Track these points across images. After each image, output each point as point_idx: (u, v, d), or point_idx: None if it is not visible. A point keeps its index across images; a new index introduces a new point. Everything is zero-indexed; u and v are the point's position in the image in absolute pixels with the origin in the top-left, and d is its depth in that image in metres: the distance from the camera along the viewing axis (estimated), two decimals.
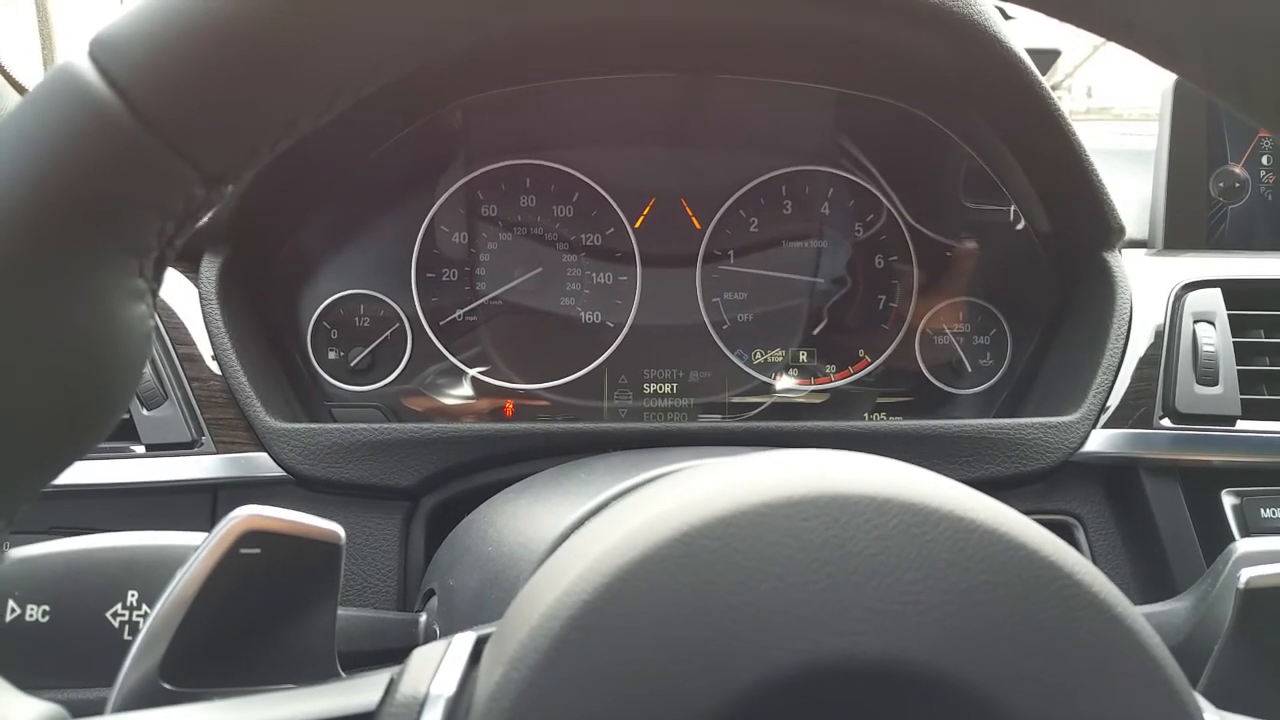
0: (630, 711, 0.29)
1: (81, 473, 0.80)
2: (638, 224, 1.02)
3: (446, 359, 1.00)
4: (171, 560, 0.46)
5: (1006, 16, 0.82)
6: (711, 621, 0.30)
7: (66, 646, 0.50)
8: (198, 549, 0.41)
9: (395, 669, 0.34)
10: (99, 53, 0.29)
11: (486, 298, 1.01)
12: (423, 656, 0.34)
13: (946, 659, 0.30)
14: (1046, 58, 1.17)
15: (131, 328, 0.32)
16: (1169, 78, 1.10)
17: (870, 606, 0.30)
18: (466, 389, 1.01)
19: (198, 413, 0.83)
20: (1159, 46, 0.32)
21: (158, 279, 0.34)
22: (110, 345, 0.32)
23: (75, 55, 0.30)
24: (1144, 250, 1.09)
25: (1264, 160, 1.08)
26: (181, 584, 0.41)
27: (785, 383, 1.03)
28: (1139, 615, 0.32)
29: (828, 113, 1.03)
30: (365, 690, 0.33)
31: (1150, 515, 0.86)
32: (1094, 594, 0.32)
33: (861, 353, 1.03)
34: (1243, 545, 0.55)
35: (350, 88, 0.33)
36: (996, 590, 0.31)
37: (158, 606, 0.41)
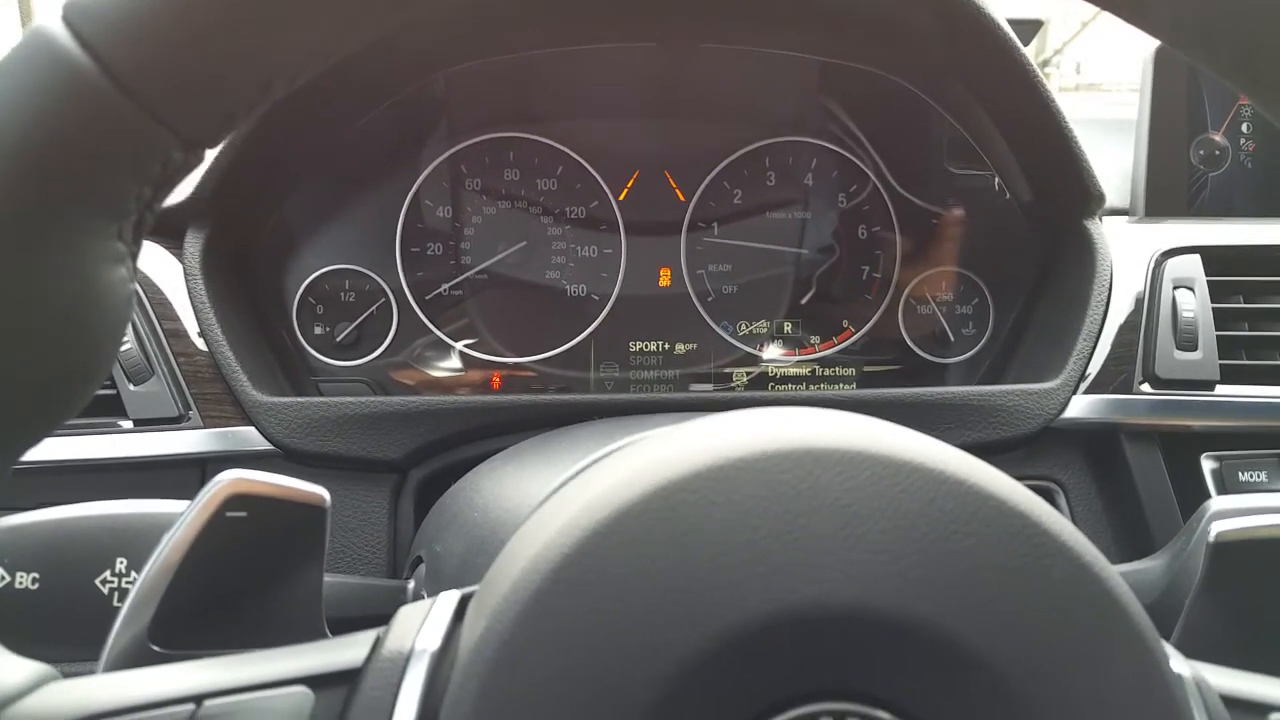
0: (609, 660, 0.29)
1: (69, 448, 0.80)
2: (622, 196, 1.02)
3: (432, 333, 1.01)
4: (159, 527, 0.46)
5: None
6: (687, 572, 0.30)
7: (56, 613, 0.50)
8: (184, 513, 0.42)
9: (381, 628, 0.35)
10: (73, 16, 0.29)
11: (472, 271, 1.01)
12: (408, 614, 0.35)
13: (916, 605, 0.30)
14: (1030, 27, 1.17)
15: (111, 291, 0.32)
16: (1150, 46, 1.11)
17: (842, 556, 0.31)
18: (453, 362, 1.01)
19: (184, 388, 0.83)
20: (1168, 27, 0.32)
21: (137, 242, 0.34)
22: (90, 308, 0.32)
23: (49, 19, 0.30)
24: (1125, 218, 1.10)
25: (1244, 128, 1.09)
26: (169, 547, 0.41)
27: (771, 353, 1.04)
28: (1106, 563, 0.33)
29: (811, 83, 1.03)
30: (351, 647, 0.34)
31: (1131, 480, 0.87)
32: (1062, 542, 0.32)
33: (846, 323, 1.04)
34: (1216, 503, 0.55)
35: (327, 48, 0.33)
36: (966, 539, 0.31)
37: (145, 569, 0.41)
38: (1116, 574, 0.33)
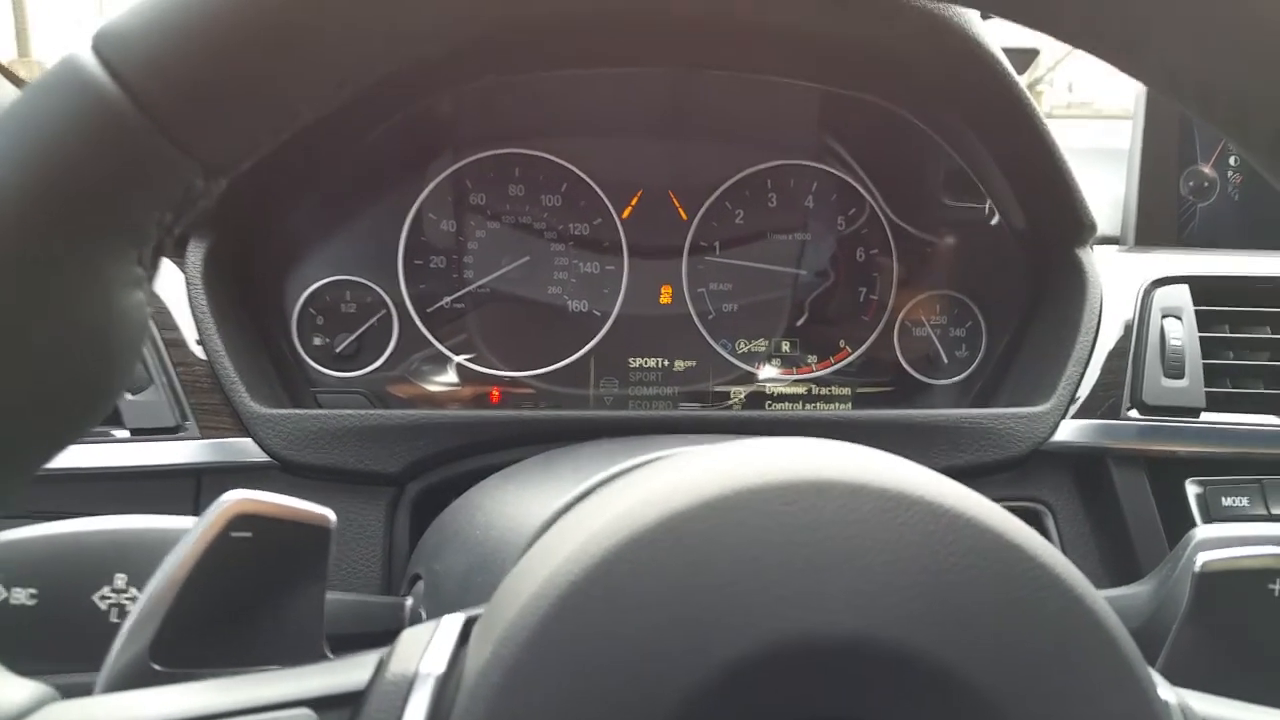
0: (615, 687, 0.30)
1: (64, 457, 0.78)
2: (625, 215, 1.03)
3: (433, 346, 1.01)
4: (160, 543, 0.46)
5: (984, 17, 0.83)
6: (694, 601, 0.31)
7: (54, 629, 0.49)
8: (189, 532, 0.42)
9: (384, 650, 0.35)
10: (103, 46, 0.30)
11: (473, 285, 1.01)
12: (412, 636, 0.35)
13: (915, 637, 0.31)
14: (1025, 57, 1.19)
15: (129, 314, 0.33)
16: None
17: (843, 587, 0.31)
18: (452, 376, 1.01)
19: (182, 397, 0.82)
20: (1163, 78, 0.33)
21: (155, 266, 0.34)
22: (109, 332, 0.32)
23: (79, 48, 0.30)
24: (1116, 246, 1.11)
25: (1231, 161, 1.10)
26: (173, 566, 0.41)
27: (768, 372, 1.05)
28: (1098, 596, 0.33)
29: (813, 110, 1.04)
30: (355, 670, 0.34)
31: (1117, 503, 0.88)
32: (1056, 575, 0.33)
33: (842, 343, 1.05)
34: (1201, 531, 0.56)
35: (354, 78, 0.33)
36: (964, 572, 0.32)
37: (148, 588, 0.40)
38: (1108, 606, 0.34)
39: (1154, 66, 0.33)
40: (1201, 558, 0.48)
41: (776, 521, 0.32)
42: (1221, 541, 0.53)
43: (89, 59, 0.30)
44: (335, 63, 0.32)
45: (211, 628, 0.42)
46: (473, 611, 0.36)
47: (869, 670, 0.31)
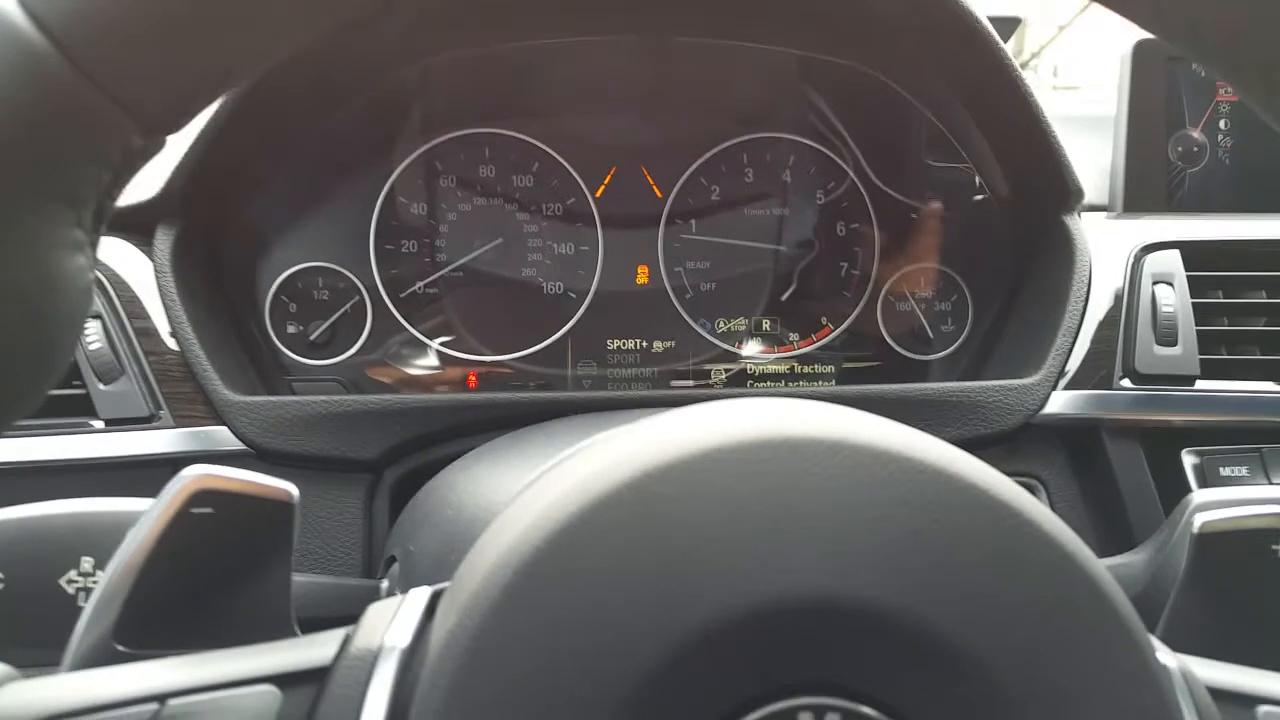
0: (582, 656, 0.29)
1: (38, 448, 0.78)
2: (599, 193, 1.02)
3: (407, 331, 1.00)
4: (125, 526, 0.45)
5: None
6: (662, 565, 0.30)
7: (20, 614, 0.49)
8: (148, 511, 0.41)
9: (351, 627, 0.34)
10: None
11: (447, 269, 1.00)
12: (378, 611, 0.34)
13: (897, 598, 0.30)
14: (1008, 25, 1.18)
15: (69, 279, 0.32)
16: (1128, 42, 1.11)
17: (819, 547, 0.30)
18: (429, 360, 1.00)
19: (155, 387, 0.81)
20: (1184, 33, 0.32)
21: (96, 230, 0.33)
22: (46, 297, 0.31)
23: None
24: (1103, 214, 1.10)
25: (1221, 124, 1.09)
26: (133, 545, 0.41)
27: (749, 350, 1.03)
28: (1090, 554, 0.32)
29: (789, 77, 1.03)
30: (320, 645, 0.33)
31: (1112, 476, 0.87)
32: (1045, 532, 0.32)
33: (825, 319, 1.04)
34: (1198, 495, 0.55)
35: (292, 32, 0.32)
36: (946, 529, 0.31)
37: (109, 568, 0.40)
38: (1101, 565, 0.32)
39: (1141, 3, 0.32)
40: (1199, 519, 0.47)
41: (746, 482, 0.31)
42: (1220, 504, 0.52)
43: (14, 8, 0.28)
44: (270, 16, 0.31)
45: (176, 608, 0.42)
46: (439, 586, 0.35)
47: (850, 635, 0.30)
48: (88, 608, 0.40)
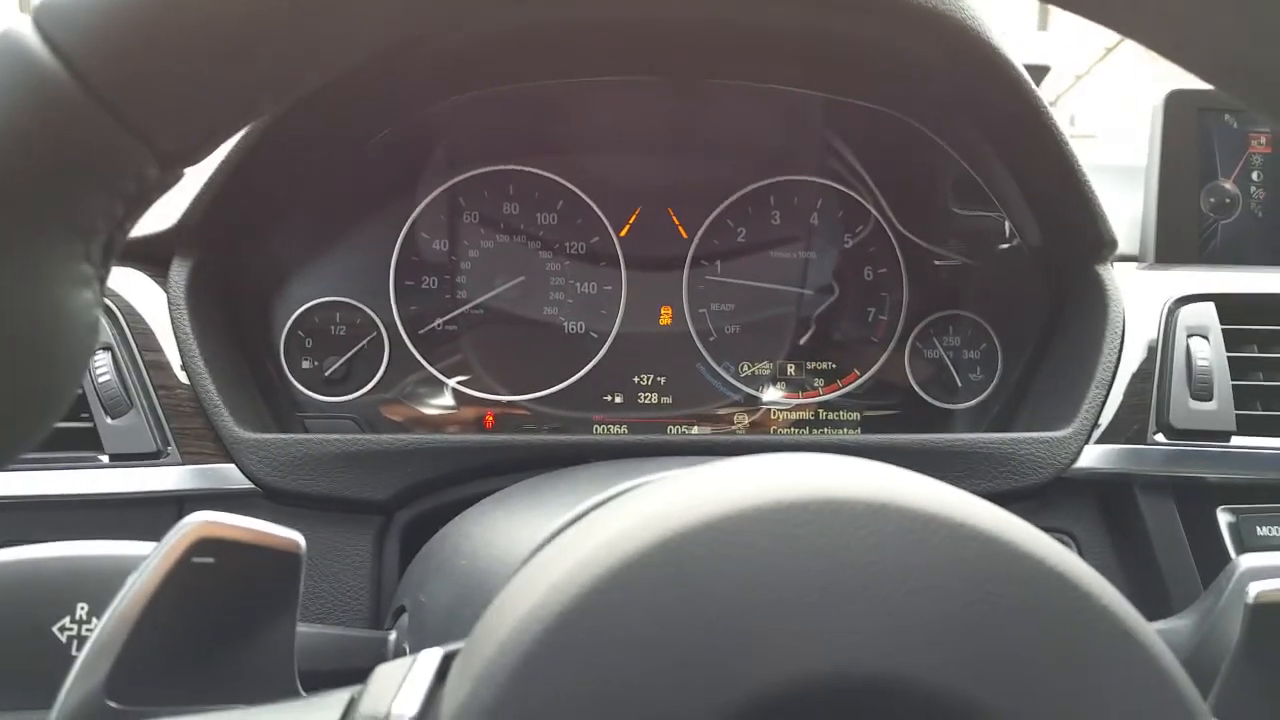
0: None
1: (41, 483, 0.77)
2: (623, 232, 1.01)
3: (425, 369, 0.98)
4: (124, 571, 0.43)
5: None
6: (695, 636, 0.28)
7: (9, 662, 0.47)
8: (148, 558, 0.39)
9: (357, 688, 0.32)
10: (44, 19, 0.28)
11: (467, 306, 0.99)
12: (385, 674, 0.33)
13: (946, 677, 0.28)
14: (1038, 73, 1.17)
15: (75, 315, 0.30)
16: (1157, 95, 1.10)
17: (866, 621, 0.28)
18: (445, 400, 0.99)
19: (164, 422, 0.80)
20: (1212, 69, 0.31)
21: (106, 264, 0.32)
22: (52, 333, 0.30)
23: (18, 22, 0.28)
24: (1134, 264, 1.08)
25: (1254, 176, 1.08)
26: (129, 595, 0.39)
27: (772, 395, 1.02)
28: (1150, 628, 0.30)
29: (816, 120, 1.02)
30: (323, 709, 0.32)
31: (1145, 532, 0.84)
32: (1103, 605, 0.30)
33: (850, 365, 1.02)
34: (1246, 560, 0.53)
35: (315, 67, 0.31)
36: (999, 603, 0.29)
37: (103, 618, 0.39)
38: (1160, 640, 0.30)
39: (1164, 37, 0.31)
40: (1254, 589, 0.45)
41: (787, 545, 0.29)
42: (1271, 571, 0.49)
43: (29, 33, 0.28)
44: (293, 50, 0.30)
45: (173, 662, 0.40)
46: (452, 647, 0.33)
47: (894, 714, 0.28)
48: (78, 660, 0.38)
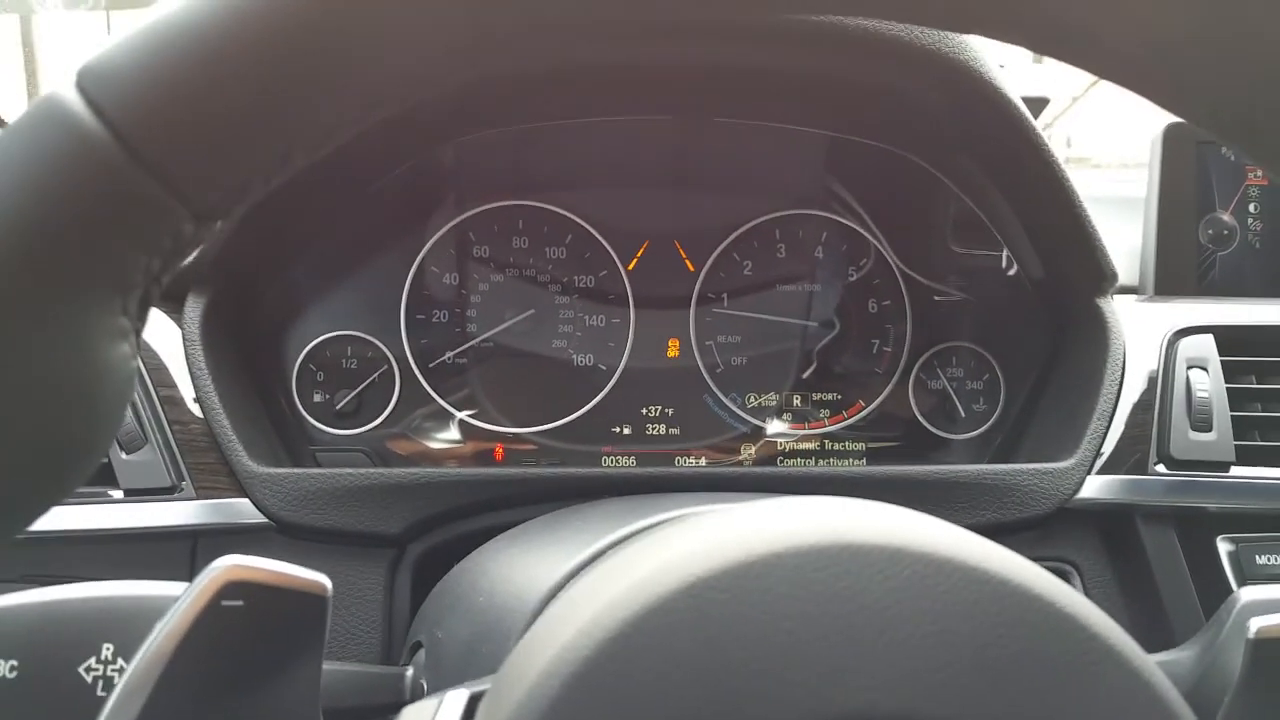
0: None
1: (56, 518, 0.77)
2: (631, 266, 1.02)
3: (435, 402, 0.99)
4: (149, 611, 0.44)
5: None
6: (720, 679, 0.29)
7: (36, 704, 0.47)
8: (178, 600, 0.40)
9: None
10: (86, 82, 0.28)
11: (477, 340, 1.00)
12: (413, 715, 0.33)
13: (964, 716, 0.29)
14: (1036, 105, 1.18)
15: (113, 368, 0.31)
16: (1156, 126, 1.12)
17: (885, 662, 0.29)
18: (455, 432, 0.99)
19: (178, 457, 0.80)
20: (1207, 115, 0.32)
21: (141, 318, 0.33)
22: (90, 386, 0.30)
23: (61, 85, 0.29)
24: (1134, 296, 1.09)
25: (1251, 208, 1.09)
26: (160, 638, 0.39)
27: (778, 427, 1.02)
28: (1155, 666, 0.31)
29: (820, 156, 1.03)
30: None
31: (1146, 562, 0.85)
32: (1110, 645, 0.31)
33: (855, 397, 1.03)
34: (1246, 594, 0.54)
35: (347, 122, 0.32)
36: (1012, 644, 0.30)
37: (134, 661, 0.39)
38: (1165, 678, 0.31)
39: (1160, 82, 0.32)
40: (1256, 623, 0.45)
41: (808, 589, 0.30)
42: (1272, 605, 0.50)
43: (72, 96, 0.28)
44: (325, 107, 0.31)
45: (201, 704, 0.40)
46: (477, 686, 0.34)
47: None
48: (109, 702, 0.38)
